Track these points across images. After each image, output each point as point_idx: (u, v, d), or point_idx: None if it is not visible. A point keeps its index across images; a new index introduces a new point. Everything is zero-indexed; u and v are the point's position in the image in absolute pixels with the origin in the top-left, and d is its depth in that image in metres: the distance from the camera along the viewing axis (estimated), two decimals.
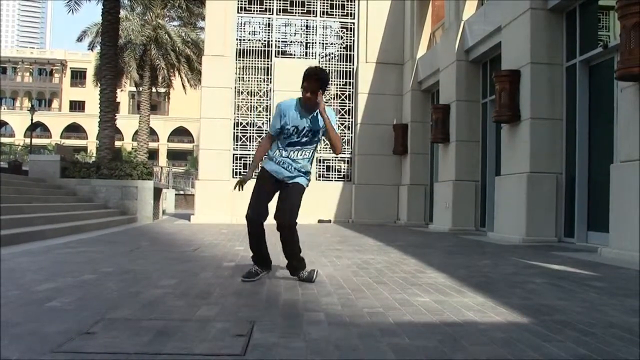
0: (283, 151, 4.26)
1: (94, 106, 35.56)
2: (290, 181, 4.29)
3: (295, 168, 4.28)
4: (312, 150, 4.33)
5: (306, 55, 16.38)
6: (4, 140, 50.05)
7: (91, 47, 33.08)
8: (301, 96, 4.21)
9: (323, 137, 4.40)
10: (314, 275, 4.38)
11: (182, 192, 30.66)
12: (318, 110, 4.18)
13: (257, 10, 16.05)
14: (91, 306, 3.33)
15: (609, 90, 7.80)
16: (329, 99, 16.14)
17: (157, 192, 15.88)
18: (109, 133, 16.84)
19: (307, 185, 4.39)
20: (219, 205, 14.85)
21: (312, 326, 2.87)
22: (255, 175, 4.49)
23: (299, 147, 4.26)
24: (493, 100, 10.24)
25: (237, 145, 15.64)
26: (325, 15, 16.27)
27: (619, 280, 4.99)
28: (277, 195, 4.38)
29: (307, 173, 4.36)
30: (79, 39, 33.21)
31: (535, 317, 3.17)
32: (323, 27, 16.38)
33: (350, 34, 16.34)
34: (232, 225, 12.97)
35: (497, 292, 4.04)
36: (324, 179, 15.81)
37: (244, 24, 16.08)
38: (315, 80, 4.13)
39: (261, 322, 2.93)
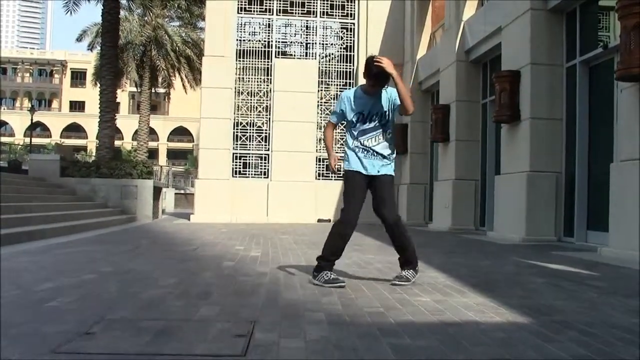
0: (361, 140, 4.22)
1: (94, 106, 35.59)
2: (381, 172, 4.23)
3: (379, 154, 4.23)
4: (386, 133, 4.25)
5: (306, 55, 16.39)
6: (4, 139, 50.05)
7: (91, 47, 33.14)
8: (364, 84, 4.24)
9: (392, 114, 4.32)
10: (411, 277, 4.24)
11: (182, 192, 30.65)
12: (384, 88, 4.19)
13: (257, 11, 16.05)
14: (91, 306, 3.33)
15: (609, 91, 7.80)
16: (329, 99, 16.16)
17: (157, 191, 15.89)
18: (109, 133, 16.85)
19: (394, 174, 4.34)
20: (219, 205, 14.85)
21: (313, 326, 2.87)
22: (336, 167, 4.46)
23: (372, 133, 4.22)
24: (493, 100, 10.24)
25: (237, 144, 15.64)
26: (325, 16, 16.27)
27: (619, 279, 4.99)
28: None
29: (390, 156, 4.28)
30: (79, 39, 33.28)
31: (535, 317, 3.17)
32: (323, 28, 16.38)
33: (350, 34, 16.34)
34: (231, 225, 12.97)
35: (497, 291, 4.04)
36: (323, 178, 15.81)
37: (244, 24, 16.07)
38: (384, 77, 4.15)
39: (261, 322, 2.93)
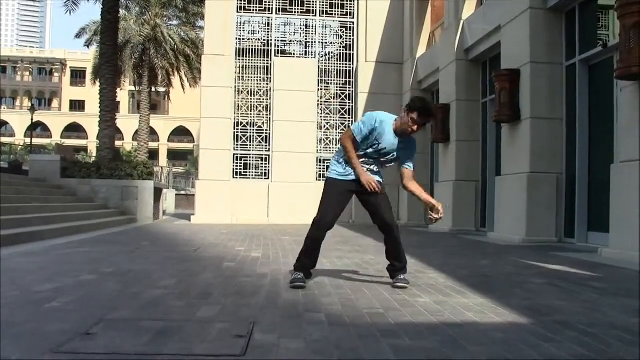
0: (362, 158, 4.12)
1: (94, 105, 35.57)
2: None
3: (371, 170, 4.18)
4: (383, 166, 4.24)
5: (306, 54, 16.38)
6: (4, 140, 50.05)
7: (88, 44, 33.19)
8: (402, 124, 4.10)
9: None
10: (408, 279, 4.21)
11: (182, 192, 30.65)
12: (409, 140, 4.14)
13: (256, 10, 16.04)
14: (91, 306, 3.33)
15: (609, 90, 7.80)
16: (329, 98, 16.15)
17: (158, 193, 15.88)
18: (109, 133, 16.82)
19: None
20: (220, 206, 14.85)
21: (313, 327, 2.87)
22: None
23: (375, 162, 4.17)
24: (493, 99, 10.24)
25: (237, 145, 15.64)
26: (324, 15, 16.27)
27: (619, 280, 4.99)
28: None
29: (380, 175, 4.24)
30: (78, 35, 33.36)
31: (535, 318, 3.17)
32: (323, 27, 16.38)
33: (350, 33, 16.34)
34: (232, 226, 12.97)
35: (497, 292, 4.04)
36: (324, 179, 15.78)
37: (244, 23, 16.07)
38: (432, 118, 4.13)
39: (261, 322, 2.93)
